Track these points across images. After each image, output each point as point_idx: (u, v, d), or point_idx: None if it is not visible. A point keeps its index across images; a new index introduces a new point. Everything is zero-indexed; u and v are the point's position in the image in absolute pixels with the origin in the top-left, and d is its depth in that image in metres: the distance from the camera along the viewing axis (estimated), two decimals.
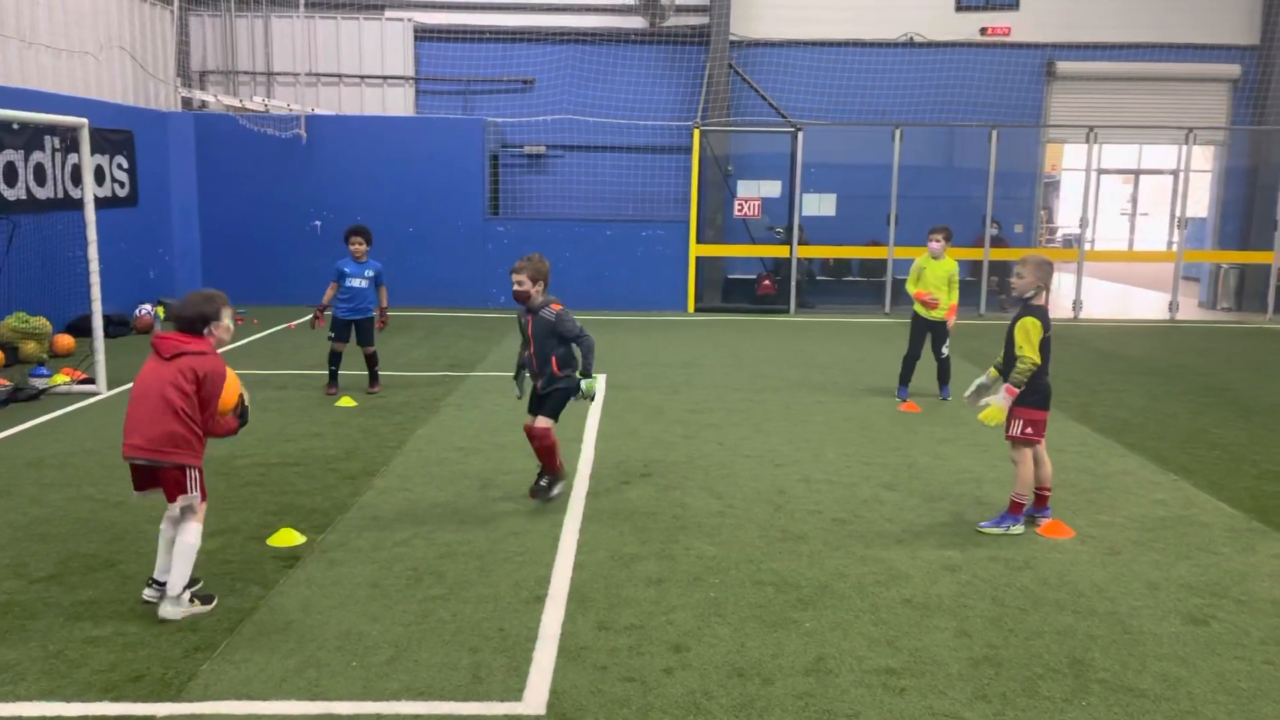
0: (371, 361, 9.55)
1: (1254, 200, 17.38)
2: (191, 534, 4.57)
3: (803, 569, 5.26)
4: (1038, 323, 5.72)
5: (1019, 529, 5.84)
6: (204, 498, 4.64)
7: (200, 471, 4.59)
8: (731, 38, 16.86)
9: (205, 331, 4.61)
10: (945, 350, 9.45)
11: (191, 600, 4.61)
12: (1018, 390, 5.73)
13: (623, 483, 6.75)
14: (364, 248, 9.37)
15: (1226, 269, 17.78)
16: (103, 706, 3.80)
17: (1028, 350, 5.68)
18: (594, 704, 3.86)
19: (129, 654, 4.20)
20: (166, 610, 4.51)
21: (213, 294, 4.72)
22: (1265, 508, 6.36)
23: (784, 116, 16.49)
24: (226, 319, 4.68)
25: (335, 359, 9.47)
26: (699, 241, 16.03)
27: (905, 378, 9.55)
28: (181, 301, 4.72)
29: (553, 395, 6.22)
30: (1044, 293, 5.87)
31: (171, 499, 4.53)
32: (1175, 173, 18.38)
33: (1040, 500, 5.97)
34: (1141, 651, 4.36)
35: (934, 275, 9.30)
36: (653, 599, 4.85)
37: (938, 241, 9.29)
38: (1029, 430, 5.81)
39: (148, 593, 4.69)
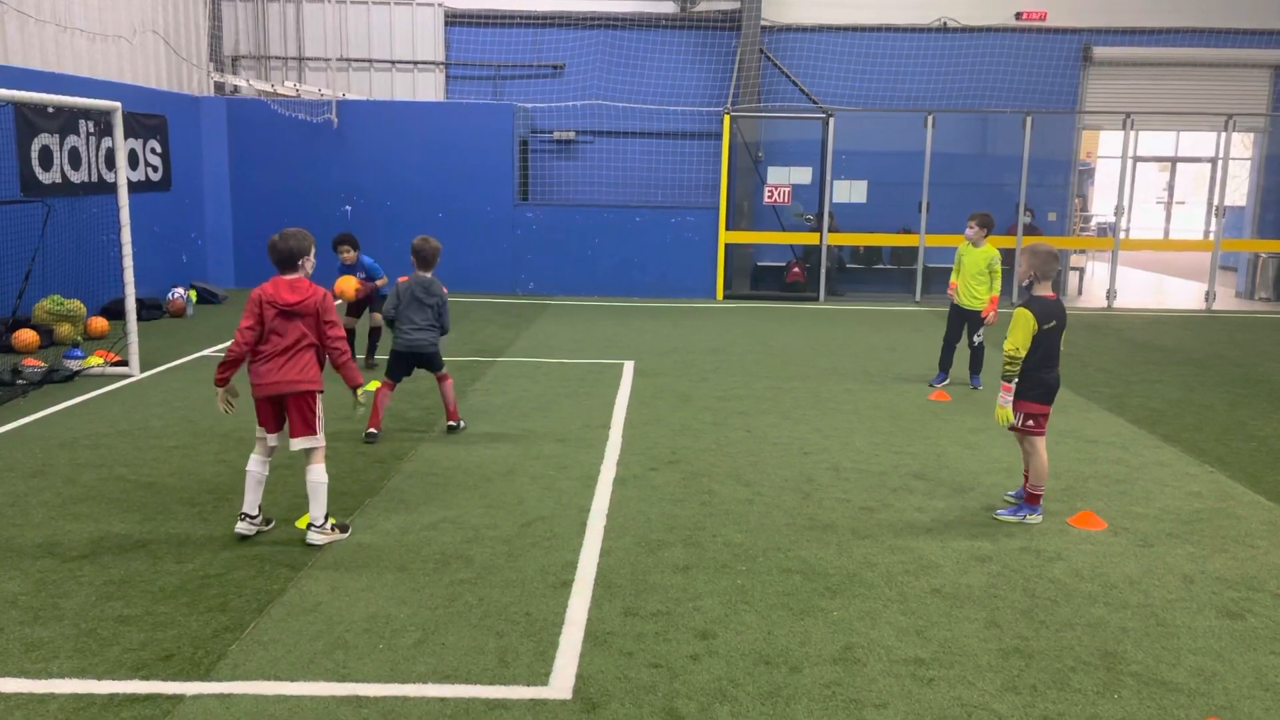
0: (375, 335, 9.86)
1: None
2: (319, 473, 5.22)
3: (831, 557, 5.22)
4: (1029, 315, 5.60)
5: (1036, 519, 5.78)
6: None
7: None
8: (763, 23, 16.73)
9: (299, 264, 5.23)
10: (979, 338, 9.32)
11: (333, 529, 5.29)
12: (1009, 384, 5.68)
13: (650, 469, 6.73)
14: (353, 254, 9.56)
15: (1265, 258, 17.45)
16: (133, 685, 3.83)
17: (1011, 340, 5.61)
18: (620, 689, 3.86)
19: (159, 633, 4.24)
20: (313, 537, 5.19)
21: (302, 232, 5.31)
22: None
23: (815, 102, 16.35)
24: (312, 255, 5.34)
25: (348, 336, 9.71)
26: (728, 228, 15.96)
27: (943, 364, 9.48)
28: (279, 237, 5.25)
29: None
30: (1044, 283, 5.74)
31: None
32: (1214, 160, 18.03)
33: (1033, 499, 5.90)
34: (1175, 645, 4.30)
35: (971, 264, 9.17)
36: (680, 585, 4.83)
37: (972, 229, 9.14)
38: (1030, 423, 5.74)
39: (241, 526, 5.27)
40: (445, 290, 7.54)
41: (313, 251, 5.32)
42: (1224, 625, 4.50)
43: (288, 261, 5.22)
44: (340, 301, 9.64)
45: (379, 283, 9.63)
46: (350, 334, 9.60)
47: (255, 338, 5.17)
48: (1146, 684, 3.97)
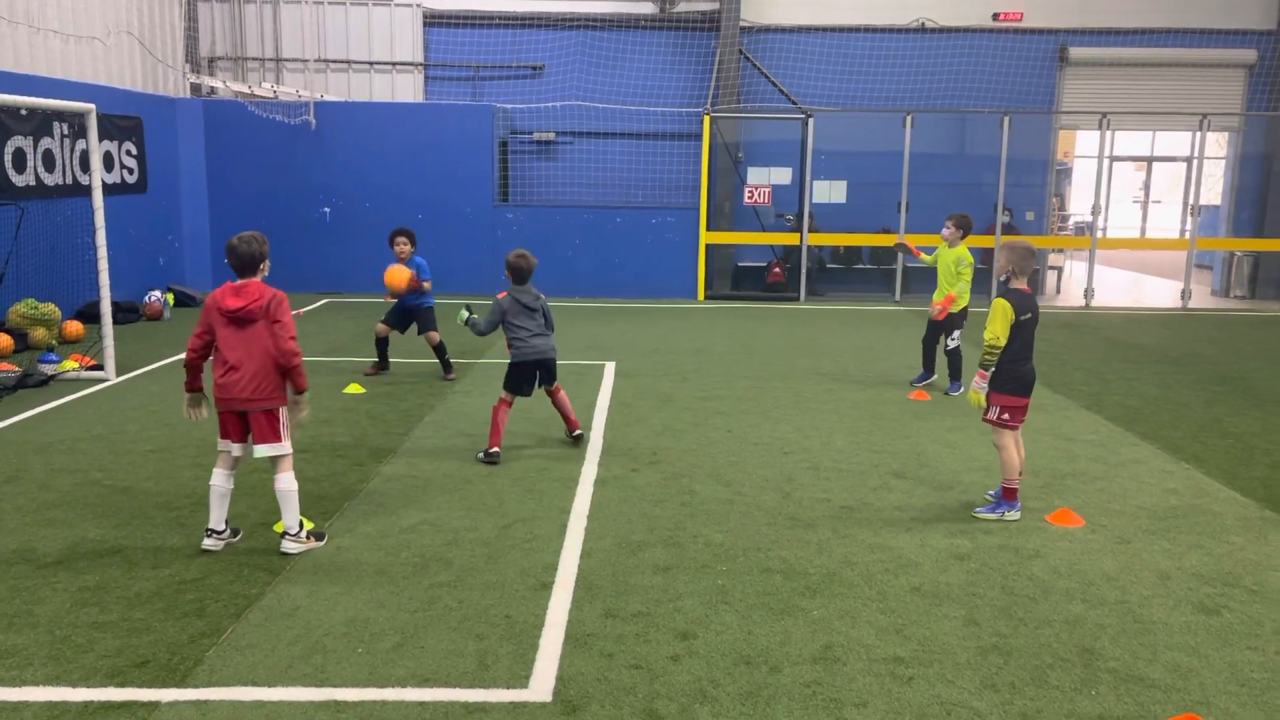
0: (440, 351, 9.56)
1: (1269, 187, 17.23)
2: (287, 481, 5.16)
3: (811, 557, 5.23)
4: (1007, 305, 5.68)
5: (1015, 515, 5.81)
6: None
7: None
8: (742, 23, 16.75)
9: (259, 269, 5.12)
10: (953, 342, 9.17)
11: (308, 536, 5.25)
12: (986, 372, 5.77)
13: (631, 470, 6.73)
14: (408, 248, 9.41)
15: (1240, 257, 17.63)
16: (108, 692, 3.79)
17: (990, 329, 5.68)
18: (600, 691, 3.85)
19: (135, 639, 4.20)
20: (287, 546, 5.16)
21: (259, 235, 5.19)
22: (1278, 497, 6.31)
23: (794, 103, 16.39)
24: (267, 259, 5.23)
25: (381, 344, 9.61)
26: (709, 229, 15.97)
27: (926, 363, 9.47)
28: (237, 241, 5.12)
29: None
30: (1020, 278, 5.81)
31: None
32: (1189, 159, 18.20)
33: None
34: (1152, 641, 4.33)
35: (942, 263, 9.18)
36: (660, 586, 4.83)
37: (949, 229, 9.13)
38: (1005, 416, 5.78)
39: (208, 542, 5.18)
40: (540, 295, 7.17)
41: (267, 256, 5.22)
42: (1200, 621, 4.53)
43: (249, 266, 5.07)
44: (390, 299, 9.46)
45: (425, 285, 9.39)
46: (383, 342, 9.54)
47: (204, 345, 5.07)
48: (1123, 680, 3.99)
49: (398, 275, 9.17)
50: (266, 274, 5.19)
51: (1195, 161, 16.54)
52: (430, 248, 15.72)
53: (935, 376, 9.50)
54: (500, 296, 7.07)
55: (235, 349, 5.02)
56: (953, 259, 9.07)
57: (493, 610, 4.54)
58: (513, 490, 6.27)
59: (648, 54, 17.14)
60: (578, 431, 7.32)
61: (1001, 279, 5.90)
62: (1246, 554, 5.35)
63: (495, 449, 6.90)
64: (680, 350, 11.34)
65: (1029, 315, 5.74)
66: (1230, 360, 11.19)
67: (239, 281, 5.08)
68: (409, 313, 9.53)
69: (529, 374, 7.05)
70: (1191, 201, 16.79)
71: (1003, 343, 5.67)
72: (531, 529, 5.59)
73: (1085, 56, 17.13)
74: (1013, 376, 5.75)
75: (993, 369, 5.74)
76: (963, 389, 9.14)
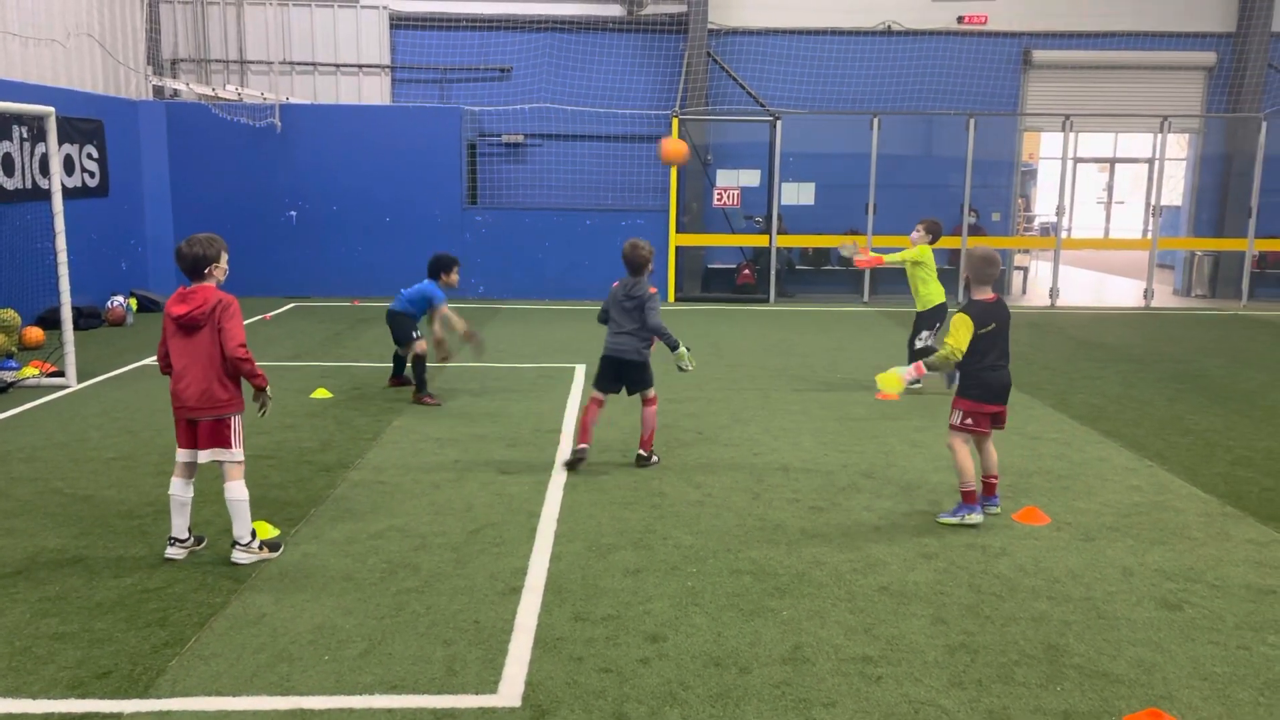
0: (416, 367, 8.81)
1: (1228, 188, 17.50)
2: (235, 490, 5.04)
3: (780, 557, 5.24)
4: (967, 318, 5.65)
5: (977, 518, 5.75)
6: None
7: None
8: (710, 26, 16.80)
9: (206, 272, 4.98)
10: (920, 341, 9.17)
11: (260, 547, 5.13)
12: (925, 370, 5.89)
13: (601, 473, 6.71)
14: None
15: (1201, 256, 17.91)
16: (69, 704, 3.73)
17: (951, 339, 5.67)
18: (569, 695, 3.83)
19: (96, 650, 4.14)
20: (238, 556, 5.04)
21: (211, 237, 5.07)
22: (1239, 493, 6.40)
23: (762, 105, 16.45)
24: (224, 262, 5.09)
25: (404, 362, 9.11)
26: (678, 231, 15.99)
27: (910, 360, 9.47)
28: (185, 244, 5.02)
29: None
30: (981, 286, 5.75)
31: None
32: (1150, 161, 18.46)
33: (988, 489, 5.94)
34: (1116, 637, 4.37)
35: (905, 256, 9.19)
36: (630, 589, 4.82)
37: (918, 232, 9.14)
38: (968, 421, 5.77)
39: (171, 551, 5.11)
40: (652, 290, 6.81)
41: (224, 258, 5.06)
42: (1163, 616, 4.59)
43: (193, 269, 4.96)
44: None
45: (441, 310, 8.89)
46: (408, 361, 8.87)
47: (166, 353, 5.01)
48: (1088, 676, 4.03)
49: (676, 146, 8.44)
50: (222, 278, 5.08)
51: (1156, 163, 16.78)
52: (398, 250, 15.72)
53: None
54: (615, 285, 6.96)
55: (182, 356, 4.95)
56: (909, 256, 9.13)
57: (461, 615, 4.51)
58: (481, 494, 6.24)
59: (616, 56, 17.14)
60: (644, 453, 6.90)
61: (965, 287, 5.90)
62: (1208, 550, 5.43)
63: (580, 445, 6.79)
64: None
65: (993, 325, 5.67)
66: (1192, 358, 11.35)
67: (190, 286, 4.99)
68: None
69: (607, 369, 6.86)
70: (1153, 202, 17.03)
71: (959, 356, 5.70)
72: (500, 533, 5.56)
73: (1048, 59, 17.34)
74: (980, 383, 5.74)
75: (936, 372, 5.76)
76: (955, 383, 9.12)
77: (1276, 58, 17.26)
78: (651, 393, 6.89)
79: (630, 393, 6.93)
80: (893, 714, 3.74)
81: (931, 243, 9.13)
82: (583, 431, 6.82)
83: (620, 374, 6.87)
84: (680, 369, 6.85)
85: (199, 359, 4.92)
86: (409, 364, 8.90)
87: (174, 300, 4.96)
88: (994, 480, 5.96)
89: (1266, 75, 17.19)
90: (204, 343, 4.92)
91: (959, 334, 5.65)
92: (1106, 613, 4.62)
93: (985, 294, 5.77)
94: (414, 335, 8.88)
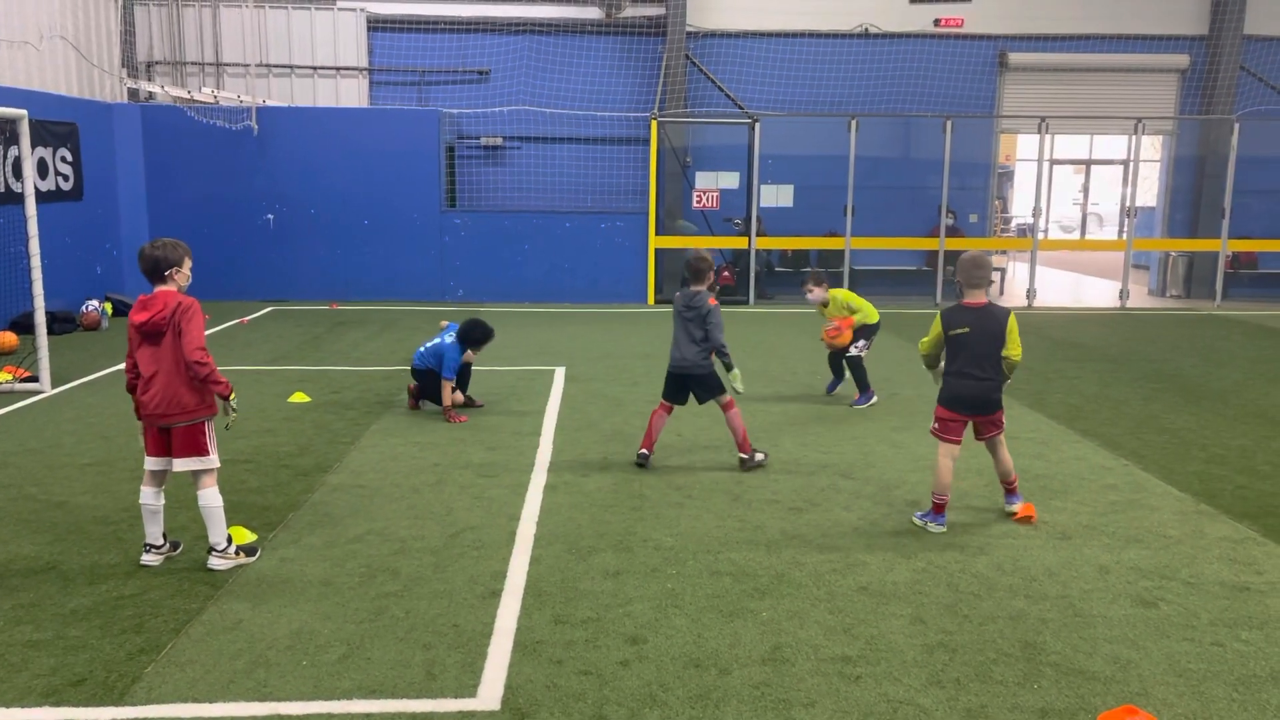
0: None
1: (1202, 189, 17.69)
2: (209, 497, 5.00)
3: (760, 558, 5.25)
4: (936, 320, 5.80)
5: (938, 528, 5.68)
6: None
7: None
8: (688, 29, 16.83)
9: (166, 275, 4.94)
10: (854, 349, 8.83)
11: (237, 552, 5.09)
12: (868, 341, 7.06)
13: (581, 475, 6.71)
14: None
15: (1175, 257, 18.08)
16: (43, 712, 3.69)
17: (924, 339, 5.91)
18: (549, 698, 3.83)
19: (71, 657, 4.10)
20: (214, 563, 5.01)
21: (173, 242, 5.05)
22: (1213, 491, 6.47)
23: (741, 108, 16.49)
24: (186, 267, 5.03)
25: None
26: (658, 233, 16.01)
27: (833, 371, 9.35)
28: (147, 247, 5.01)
29: None
30: (972, 290, 5.68)
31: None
32: (1125, 162, 18.63)
33: (1008, 490, 5.99)
34: (1092, 634, 4.41)
35: (834, 312, 8.94)
36: (610, 591, 4.82)
37: (811, 291, 8.86)
38: (936, 426, 5.79)
39: (146, 558, 5.08)
40: (713, 302, 6.70)
41: (187, 264, 5.00)
42: (1138, 614, 4.63)
43: (153, 271, 4.92)
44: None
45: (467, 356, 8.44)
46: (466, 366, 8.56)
47: (134, 364, 4.97)
48: (1065, 673, 4.06)
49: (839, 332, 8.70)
50: (185, 284, 5.00)
51: (1131, 164, 16.94)
52: (376, 253, 15.67)
53: (844, 380, 9.30)
54: (676, 296, 6.96)
55: (148, 363, 4.90)
56: (841, 304, 8.93)
57: (440, 619, 4.50)
58: (461, 498, 6.22)
59: (595, 59, 17.14)
60: (745, 455, 6.85)
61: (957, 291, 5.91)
62: (1183, 547, 5.48)
63: (643, 450, 6.91)
64: (630, 355, 11.34)
65: (964, 330, 5.59)
66: (1167, 358, 11.46)
67: (151, 292, 4.93)
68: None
69: (672, 383, 6.92)
70: (1128, 204, 17.18)
71: (925, 352, 5.87)
72: (480, 536, 5.55)
73: (1024, 62, 17.47)
74: (948, 388, 5.73)
75: (870, 342, 6.16)
76: (871, 401, 8.86)
77: (1249, 60, 17.48)
78: (726, 397, 6.84)
79: (701, 403, 7.01)
80: (871, 713, 3.75)
81: (828, 289, 8.92)
82: (646, 435, 6.94)
83: (686, 386, 6.92)
84: (734, 391, 6.92)
85: (165, 365, 4.87)
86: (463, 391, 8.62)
87: (135, 309, 4.92)
88: (1011, 484, 5.98)
89: (1239, 77, 17.40)
90: (169, 348, 4.86)
91: (930, 334, 5.81)
92: (1083, 611, 4.65)
93: (976, 298, 5.67)
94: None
